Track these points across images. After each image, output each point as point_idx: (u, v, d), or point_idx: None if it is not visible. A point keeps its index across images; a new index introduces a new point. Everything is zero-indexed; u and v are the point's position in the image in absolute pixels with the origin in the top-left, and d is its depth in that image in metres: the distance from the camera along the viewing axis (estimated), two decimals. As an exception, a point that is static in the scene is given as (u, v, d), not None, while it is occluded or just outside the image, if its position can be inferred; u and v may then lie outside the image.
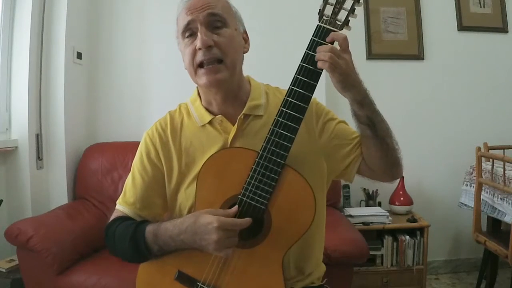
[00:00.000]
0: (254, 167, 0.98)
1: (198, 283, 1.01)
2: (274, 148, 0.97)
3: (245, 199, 0.98)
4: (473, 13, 3.00)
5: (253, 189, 0.97)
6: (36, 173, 2.32)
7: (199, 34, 1.03)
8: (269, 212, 0.98)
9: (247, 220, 0.96)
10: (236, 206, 0.98)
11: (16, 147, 2.25)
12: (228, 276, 1.00)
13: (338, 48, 0.96)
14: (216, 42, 1.04)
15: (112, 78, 2.76)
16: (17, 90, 2.29)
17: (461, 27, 3.00)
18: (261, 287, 1.01)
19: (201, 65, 1.05)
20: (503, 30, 3.02)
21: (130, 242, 1.03)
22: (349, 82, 0.97)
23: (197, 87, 1.19)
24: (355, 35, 2.81)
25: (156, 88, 2.76)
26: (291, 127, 0.97)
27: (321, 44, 0.96)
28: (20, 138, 2.27)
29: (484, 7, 3.00)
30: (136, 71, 2.77)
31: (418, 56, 2.99)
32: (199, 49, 1.03)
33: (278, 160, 0.97)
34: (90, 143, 2.63)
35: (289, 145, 0.97)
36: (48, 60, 2.40)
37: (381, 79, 2.93)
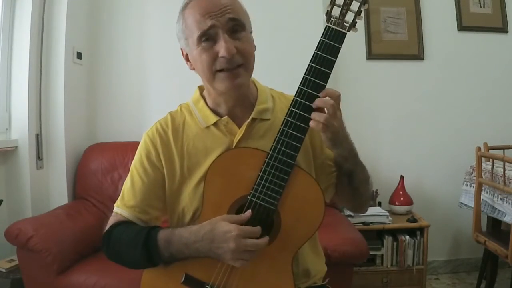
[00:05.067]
0: (264, 167, 0.97)
1: (206, 286, 1.00)
2: (284, 148, 0.97)
3: (254, 199, 0.97)
4: (473, 13, 3.00)
5: (263, 190, 0.97)
6: (36, 173, 2.31)
7: (223, 42, 0.99)
8: (279, 212, 0.98)
9: (258, 229, 0.95)
10: (250, 210, 0.97)
11: (16, 147, 2.24)
12: (237, 278, 0.99)
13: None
14: (238, 49, 1.01)
15: (112, 78, 2.75)
16: (17, 90, 2.27)
17: (461, 27, 3.00)
18: (271, 288, 1.00)
19: (221, 70, 1.02)
20: (503, 30, 3.03)
21: (142, 249, 1.00)
22: (339, 139, 0.99)
23: (199, 87, 1.17)
24: (355, 35, 2.78)
25: (156, 88, 2.75)
26: (300, 127, 0.97)
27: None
28: (20, 138, 2.25)
29: (484, 7, 3.01)
30: (136, 71, 2.76)
31: (418, 56, 2.99)
32: (222, 57, 1.00)
33: (288, 160, 0.96)
34: (90, 143, 2.62)
35: (299, 145, 0.97)
36: (48, 60, 2.38)
37: (381, 79, 2.93)
